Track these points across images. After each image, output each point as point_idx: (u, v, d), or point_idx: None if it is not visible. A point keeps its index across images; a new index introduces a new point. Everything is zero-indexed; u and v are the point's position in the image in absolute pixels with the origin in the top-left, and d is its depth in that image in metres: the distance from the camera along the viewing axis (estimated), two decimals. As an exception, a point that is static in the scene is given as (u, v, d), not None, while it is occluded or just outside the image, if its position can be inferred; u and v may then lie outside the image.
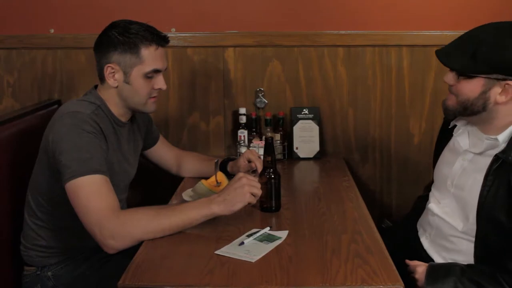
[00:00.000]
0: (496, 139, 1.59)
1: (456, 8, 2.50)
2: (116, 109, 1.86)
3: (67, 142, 1.66)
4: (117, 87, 1.82)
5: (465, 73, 1.60)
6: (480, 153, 1.65)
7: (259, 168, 1.92)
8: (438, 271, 1.59)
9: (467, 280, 1.53)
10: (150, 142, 2.17)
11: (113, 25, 1.83)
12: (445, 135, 1.84)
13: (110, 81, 1.82)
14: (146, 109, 1.89)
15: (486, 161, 1.60)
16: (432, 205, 1.80)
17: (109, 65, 1.80)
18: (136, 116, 2.00)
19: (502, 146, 1.58)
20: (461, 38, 1.64)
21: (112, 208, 1.60)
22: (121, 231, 1.58)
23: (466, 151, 1.70)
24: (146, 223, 1.60)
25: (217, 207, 1.64)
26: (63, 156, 1.65)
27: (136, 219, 1.61)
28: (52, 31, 2.56)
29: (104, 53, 1.81)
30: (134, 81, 1.81)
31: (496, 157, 1.57)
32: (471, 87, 1.59)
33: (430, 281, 1.57)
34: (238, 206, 1.66)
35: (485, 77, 1.57)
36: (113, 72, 1.81)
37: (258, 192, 1.69)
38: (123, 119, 1.90)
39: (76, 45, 2.54)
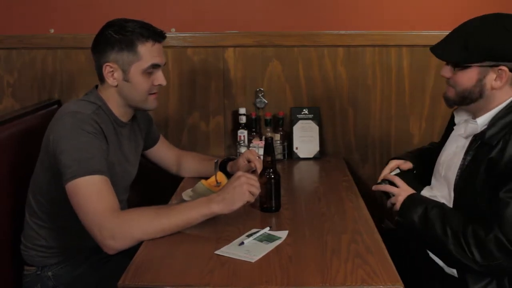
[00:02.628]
0: (476, 122, 1.68)
1: (456, 8, 2.50)
2: (117, 108, 1.86)
3: (67, 142, 1.66)
4: (116, 85, 1.82)
5: (460, 64, 1.66)
6: (466, 137, 1.74)
7: (259, 168, 1.92)
8: (419, 197, 1.76)
9: (436, 208, 1.66)
10: (150, 142, 2.17)
11: (109, 24, 1.83)
12: (450, 128, 1.90)
13: (110, 80, 1.81)
14: (147, 106, 1.89)
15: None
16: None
17: (107, 64, 1.80)
18: (137, 116, 2.00)
19: (481, 128, 1.67)
20: (452, 33, 1.72)
21: (112, 208, 1.60)
22: (121, 231, 1.58)
23: (458, 136, 1.78)
24: (146, 223, 1.60)
25: (217, 206, 1.64)
26: (63, 156, 1.65)
27: (136, 219, 1.60)
28: (52, 31, 2.56)
29: (102, 53, 1.81)
30: (133, 79, 1.81)
31: (474, 138, 1.67)
32: (468, 77, 1.66)
33: (408, 202, 1.73)
34: (238, 205, 1.66)
35: (479, 66, 1.64)
36: (112, 71, 1.81)
37: (257, 190, 1.69)
38: (124, 119, 1.90)
39: (76, 45, 2.54)
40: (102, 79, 1.84)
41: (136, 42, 1.79)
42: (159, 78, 1.85)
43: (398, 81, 2.58)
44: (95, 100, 1.83)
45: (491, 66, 1.63)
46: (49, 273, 1.86)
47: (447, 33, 1.73)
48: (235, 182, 1.67)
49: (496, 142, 1.59)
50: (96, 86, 1.90)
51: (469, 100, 1.69)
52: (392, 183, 1.83)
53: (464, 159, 1.69)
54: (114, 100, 1.85)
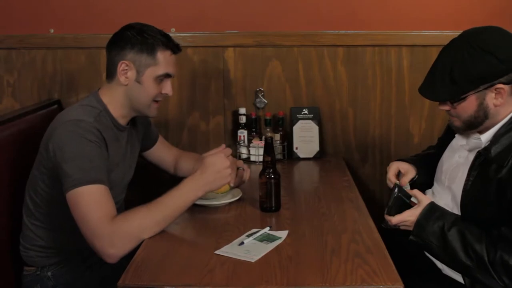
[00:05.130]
0: (480, 138, 1.68)
1: (455, 8, 2.50)
2: (119, 110, 1.86)
3: (70, 151, 1.66)
4: (127, 85, 1.83)
5: (455, 99, 1.64)
6: (469, 150, 1.73)
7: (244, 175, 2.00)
8: (437, 210, 1.65)
9: (454, 228, 1.59)
10: (149, 143, 2.17)
11: (129, 26, 1.86)
12: (450, 134, 1.89)
13: (122, 78, 1.82)
14: (148, 113, 1.90)
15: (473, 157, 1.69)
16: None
17: (123, 62, 1.81)
18: (136, 120, 2.00)
19: (485, 144, 1.66)
20: (433, 68, 1.69)
21: (107, 216, 1.61)
22: (118, 233, 1.58)
23: (461, 147, 1.78)
24: (141, 220, 1.61)
25: (201, 192, 1.72)
26: (66, 165, 1.65)
27: (130, 218, 1.61)
28: (52, 31, 2.56)
29: (120, 50, 1.82)
30: (145, 82, 1.83)
31: (479, 154, 1.65)
32: (468, 106, 1.64)
33: (424, 216, 1.64)
34: (218, 186, 1.77)
35: (474, 92, 1.62)
36: (127, 69, 1.82)
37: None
38: (123, 122, 1.90)
39: (76, 45, 2.54)
40: (112, 76, 1.84)
41: (157, 48, 1.82)
42: (167, 87, 1.88)
43: (398, 81, 2.58)
44: (96, 104, 1.83)
45: (487, 88, 1.61)
46: (49, 273, 1.86)
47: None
48: (218, 165, 1.74)
49: (505, 162, 1.57)
50: (97, 89, 1.90)
51: (477, 124, 1.67)
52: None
53: (469, 174, 1.66)
54: (118, 101, 1.85)
